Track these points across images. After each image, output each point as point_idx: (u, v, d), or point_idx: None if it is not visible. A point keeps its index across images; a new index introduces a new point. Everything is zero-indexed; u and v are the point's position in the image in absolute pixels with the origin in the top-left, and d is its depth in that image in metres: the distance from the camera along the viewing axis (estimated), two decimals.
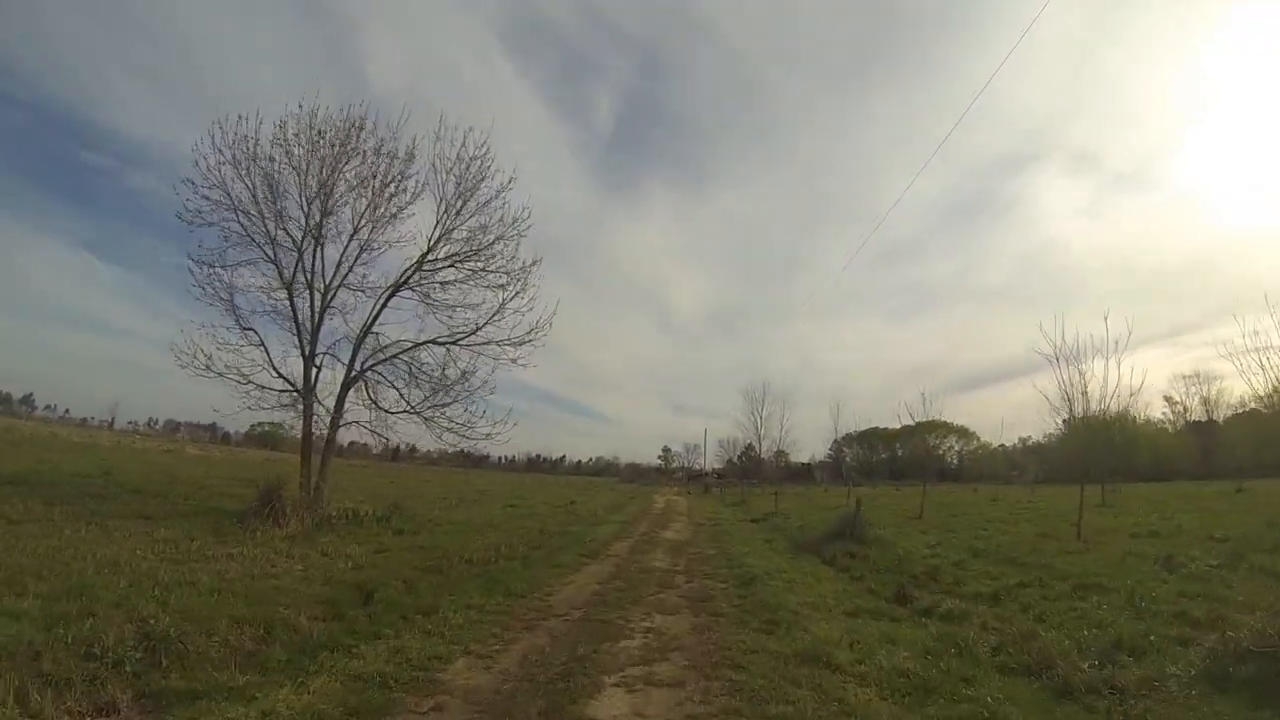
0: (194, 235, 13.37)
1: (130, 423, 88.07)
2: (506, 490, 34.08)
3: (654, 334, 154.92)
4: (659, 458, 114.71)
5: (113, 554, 7.29)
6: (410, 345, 14.76)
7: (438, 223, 14.38)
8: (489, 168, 14.41)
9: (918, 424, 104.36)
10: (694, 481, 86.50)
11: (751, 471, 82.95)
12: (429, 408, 14.39)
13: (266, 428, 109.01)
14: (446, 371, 14.94)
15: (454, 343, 15.00)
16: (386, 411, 14.59)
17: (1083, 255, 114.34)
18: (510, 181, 14.54)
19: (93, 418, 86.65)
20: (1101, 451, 23.23)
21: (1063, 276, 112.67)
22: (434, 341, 14.88)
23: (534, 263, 14.92)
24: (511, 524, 15.67)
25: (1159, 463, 54.56)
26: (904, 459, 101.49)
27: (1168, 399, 65.43)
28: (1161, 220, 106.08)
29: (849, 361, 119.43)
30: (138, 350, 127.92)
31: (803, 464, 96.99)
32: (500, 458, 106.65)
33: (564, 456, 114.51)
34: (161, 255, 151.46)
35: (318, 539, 10.51)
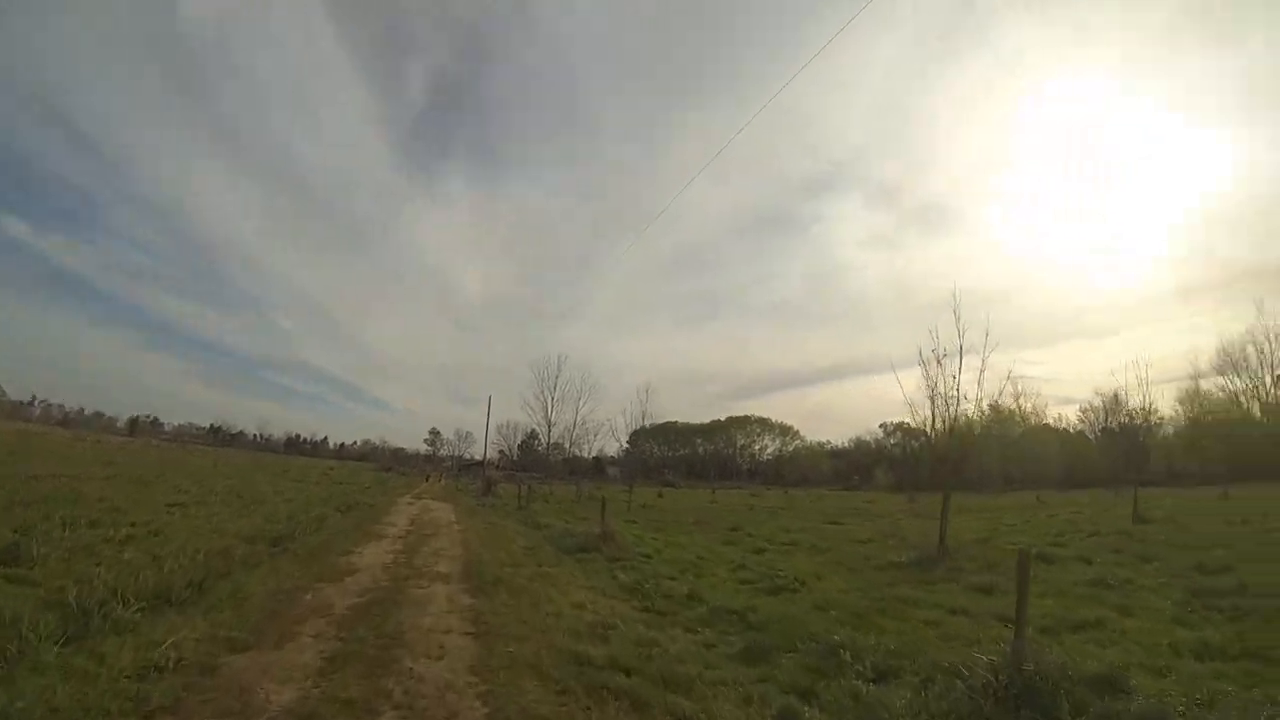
0: None
1: None
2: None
3: (442, 323, 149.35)
4: (426, 441, 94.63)
5: None
6: None
7: None
8: None
9: (727, 419, 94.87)
10: (466, 473, 66.48)
11: (533, 464, 68.49)
12: None
13: None
14: None
15: None
16: None
17: (874, 281, 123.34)
18: None
19: None
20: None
21: (852, 298, 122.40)
22: None
23: None
24: None
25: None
26: (706, 455, 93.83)
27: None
28: (949, 258, 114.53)
29: (640, 363, 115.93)
30: None
31: (593, 458, 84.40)
32: (256, 435, 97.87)
33: (325, 438, 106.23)
34: None
35: None
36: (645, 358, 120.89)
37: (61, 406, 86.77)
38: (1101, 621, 6.08)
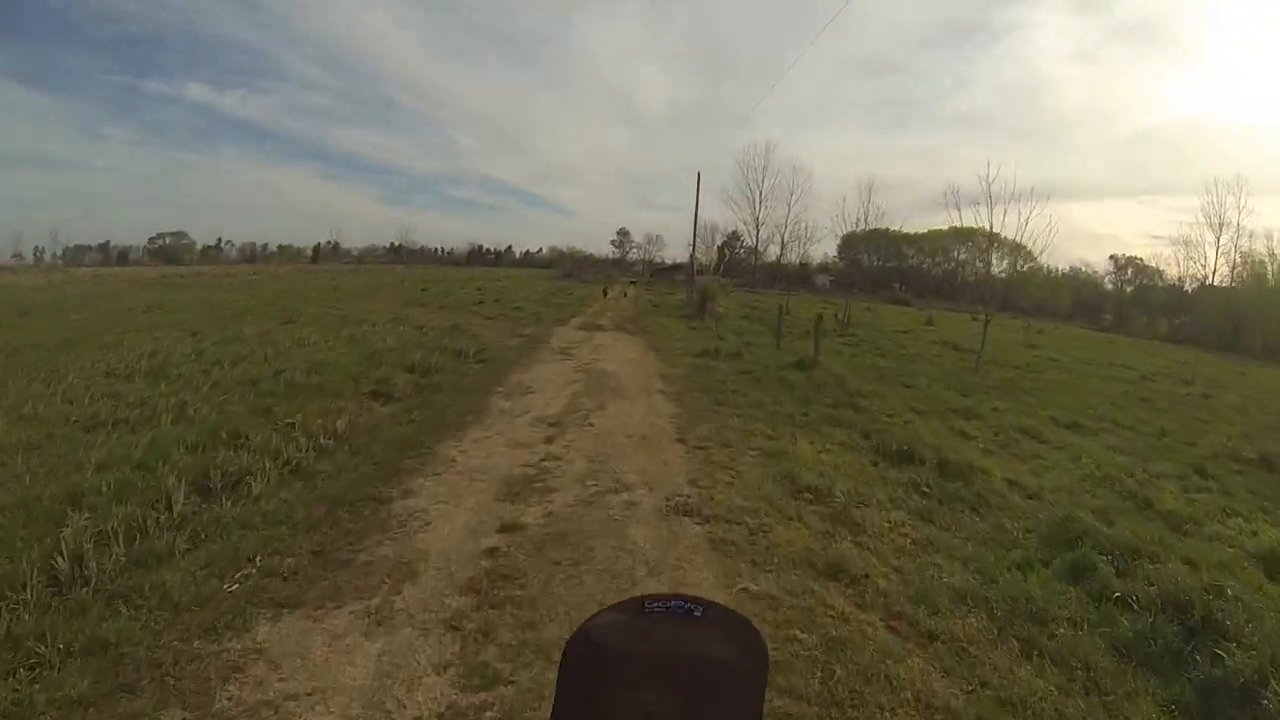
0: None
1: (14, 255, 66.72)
2: None
3: (619, 128, 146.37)
4: (613, 243, 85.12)
5: None
6: None
7: None
8: None
9: (950, 229, 69.07)
10: (660, 278, 54.64)
11: (733, 269, 55.97)
12: None
13: (167, 240, 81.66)
14: None
15: None
16: None
17: (1073, 98, 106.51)
18: None
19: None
20: None
21: (1049, 115, 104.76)
22: None
23: None
24: None
25: None
26: (920, 270, 72.02)
27: None
28: (1159, 80, 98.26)
29: (828, 171, 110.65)
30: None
31: (798, 265, 68.04)
32: (438, 249, 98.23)
33: (509, 247, 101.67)
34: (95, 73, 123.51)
35: None
36: (834, 166, 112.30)
37: (251, 245, 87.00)
38: None
